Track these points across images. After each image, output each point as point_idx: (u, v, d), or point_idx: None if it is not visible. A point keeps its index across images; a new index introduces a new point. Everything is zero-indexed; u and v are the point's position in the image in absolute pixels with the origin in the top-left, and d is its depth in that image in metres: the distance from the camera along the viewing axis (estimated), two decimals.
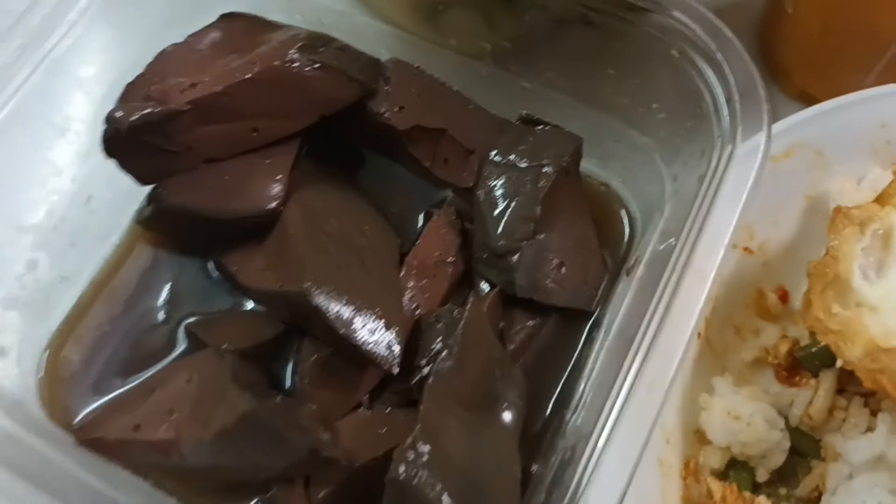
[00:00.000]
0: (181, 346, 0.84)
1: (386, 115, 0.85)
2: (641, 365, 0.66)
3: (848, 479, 0.78)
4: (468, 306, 0.77)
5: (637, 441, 0.67)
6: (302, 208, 0.82)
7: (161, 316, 0.85)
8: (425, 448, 0.67)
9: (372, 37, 0.90)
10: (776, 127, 0.87)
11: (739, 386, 0.85)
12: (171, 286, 0.86)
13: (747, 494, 0.78)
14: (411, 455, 0.66)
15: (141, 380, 0.82)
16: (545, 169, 0.82)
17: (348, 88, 0.84)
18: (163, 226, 0.87)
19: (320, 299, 0.75)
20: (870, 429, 0.79)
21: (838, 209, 0.83)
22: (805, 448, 0.84)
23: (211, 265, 0.87)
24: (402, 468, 0.66)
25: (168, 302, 0.86)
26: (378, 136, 0.88)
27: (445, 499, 0.66)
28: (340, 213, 0.84)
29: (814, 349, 0.84)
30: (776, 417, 0.83)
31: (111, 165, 0.82)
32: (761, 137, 0.71)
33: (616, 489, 0.69)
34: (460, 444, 0.70)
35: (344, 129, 0.88)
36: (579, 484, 0.67)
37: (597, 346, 0.79)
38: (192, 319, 0.85)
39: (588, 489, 0.66)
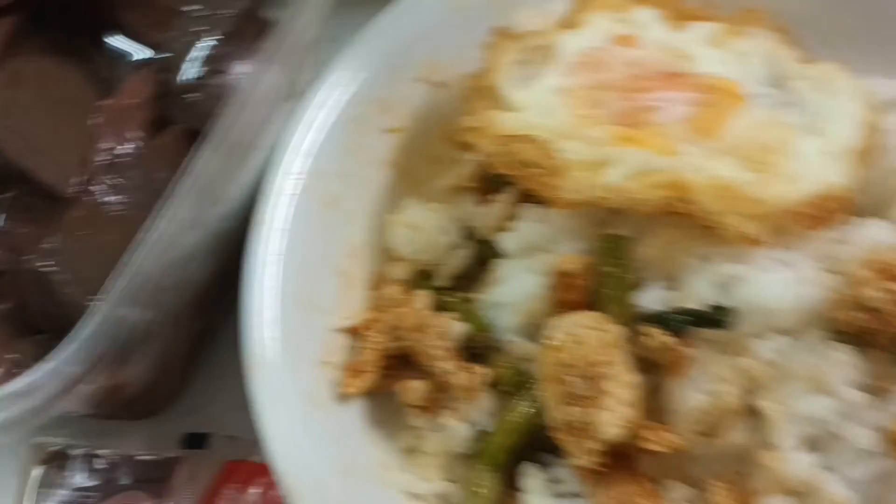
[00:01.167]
0: None
1: None
2: None
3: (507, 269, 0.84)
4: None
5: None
6: (7, 73, 0.89)
7: None
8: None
9: None
10: None
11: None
12: None
13: (414, 292, 0.84)
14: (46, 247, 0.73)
15: None
16: (224, 15, 0.89)
17: None
18: None
19: None
20: None
21: (498, 29, 0.89)
22: (491, 257, 0.89)
23: None
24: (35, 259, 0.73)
25: None
26: (96, 8, 0.95)
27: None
28: (44, 75, 0.91)
29: None
30: (449, 225, 0.89)
31: None
32: None
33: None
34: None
35: (65, 6, 0.95)
36: None
37: None
38: None
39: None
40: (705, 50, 0.90)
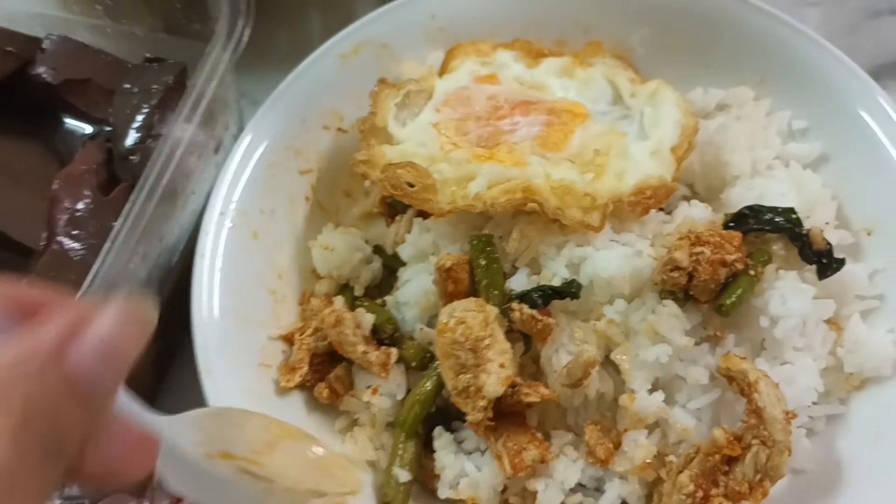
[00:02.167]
0: None
1: (42, 75, 1.11)
2: None
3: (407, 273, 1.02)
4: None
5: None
6: None
7: None
8: None
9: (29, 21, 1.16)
10: (344, 31, 1.13)
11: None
12: None
13: (333, 298, 1.02)
14: None
15: None
16: (154, 89, 1.08)
17: (6, 59, 1.10)
18: None
19: None
20: None
21: (381, 80, 1.08)
22: (398, 267, 1.07)
23: None
24: None
25: None
26: (44, 95, 1.13)
27: None
28: (9, 153, 1.09)
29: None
30: (360, 243, 1.07)
31: None
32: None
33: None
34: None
35: (18, 95, 1.13)
36: None
37: None
38: None
39: None
40: (556, 80, 1.10)
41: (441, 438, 0.96)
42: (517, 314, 0.91)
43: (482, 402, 0.90)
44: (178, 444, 0.60)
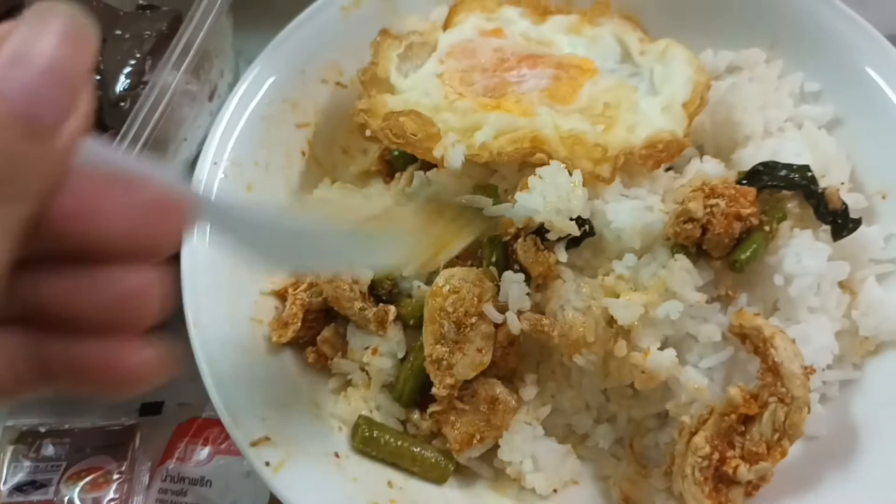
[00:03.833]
0: None
1: None
2: None
3: None
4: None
5: None
6: None
7: None
8: None
9: None
10: None
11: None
12: None
13: None
14: None
15: None
16: (147, 35, 1.03)
17: None
18: None
19: None
20: None
21: (383, 30, 1.04)
22: None
23: None
24: None
25: None
26: None
27: None
28: None
29: (396, 152, 1.05)
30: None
31: None
32: None
33: None
34: None
35: None
36: None
37: None
38: None
39: None
40: (563, 37, 1.07)
41: None
42: (521, 245, 0.87)
43: (449, 381, 0.87)
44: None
